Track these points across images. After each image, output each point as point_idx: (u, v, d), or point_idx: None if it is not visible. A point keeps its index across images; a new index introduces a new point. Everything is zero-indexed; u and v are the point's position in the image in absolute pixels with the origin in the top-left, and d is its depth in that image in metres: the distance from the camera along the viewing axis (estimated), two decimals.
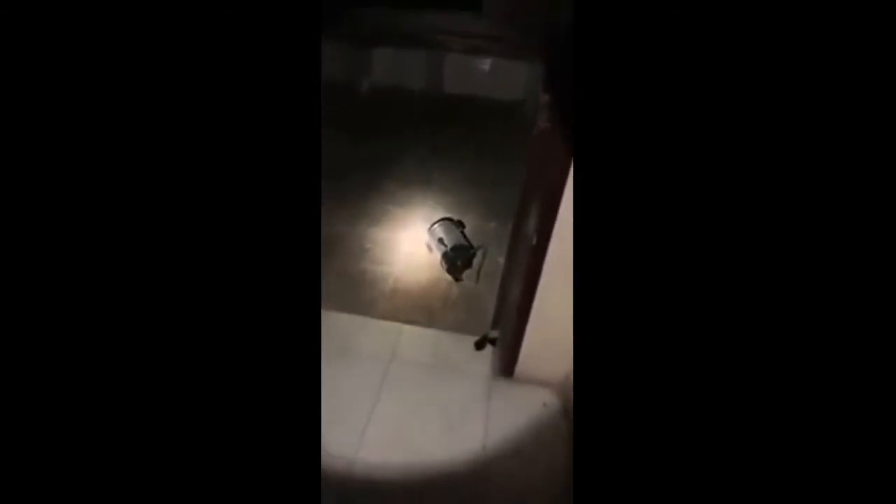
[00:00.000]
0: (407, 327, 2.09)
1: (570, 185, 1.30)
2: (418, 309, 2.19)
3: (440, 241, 2.32)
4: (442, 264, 2.30)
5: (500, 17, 3.40)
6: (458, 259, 2.28)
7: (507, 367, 1.84)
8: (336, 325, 2.03)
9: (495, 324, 2.04)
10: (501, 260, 2.23)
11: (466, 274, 2.32)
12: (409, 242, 2.52)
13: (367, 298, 2.22)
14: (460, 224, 2.44)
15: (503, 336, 1.91)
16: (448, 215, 2.49)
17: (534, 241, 1.46)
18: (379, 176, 2.94)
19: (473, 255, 2.33)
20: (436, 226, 2.39)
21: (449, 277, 2.30)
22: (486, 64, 3.72)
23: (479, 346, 2.00)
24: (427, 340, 2.05)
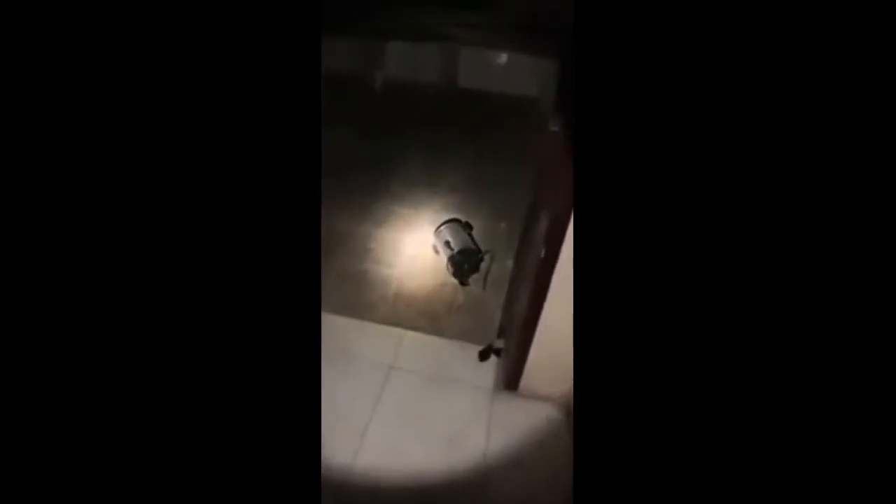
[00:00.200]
0: (409, 333, 2.01)
1: None
2: (422, 314, 2.11)
3: (447, 243, 2.23)
4: (448, 268, 2.22)
5: (511, 11, 3.29)
6: (465, 263, 2.18)
7: (511, 380, 1.76)
8: (334, 329, 1.96)
9: (501, 332, 1.95)
10: (510, 263, 2.14)
11: (473, 279, 2.23)
12: (415, 245, 2.44)
13: (368, 301, 2.15)
14: (468, 226, 2.34)
15: (508, 349, 1.82)
16: (456, 216, 2.39)
17: (542, 254, 1.37)
18: (385, 175, 2.85)
19: (481, 259, 2.24)
20: (443, 227, 2.29)
21: (455, 282, 2.22)
22: (502, 58, 3.60)
23: (484, 356, 1.91)
24: (429, 348, 1.96)
